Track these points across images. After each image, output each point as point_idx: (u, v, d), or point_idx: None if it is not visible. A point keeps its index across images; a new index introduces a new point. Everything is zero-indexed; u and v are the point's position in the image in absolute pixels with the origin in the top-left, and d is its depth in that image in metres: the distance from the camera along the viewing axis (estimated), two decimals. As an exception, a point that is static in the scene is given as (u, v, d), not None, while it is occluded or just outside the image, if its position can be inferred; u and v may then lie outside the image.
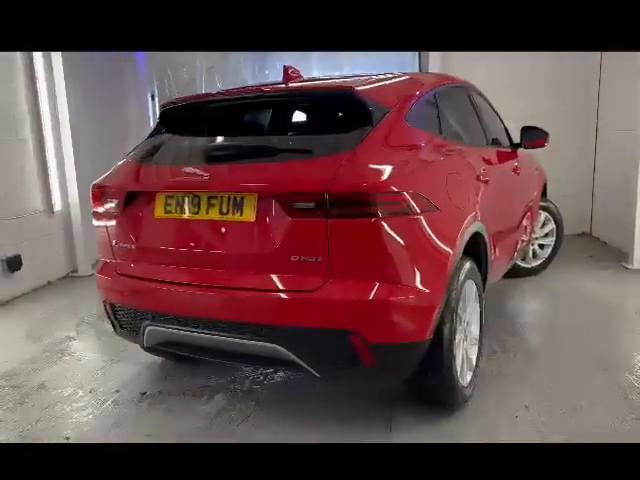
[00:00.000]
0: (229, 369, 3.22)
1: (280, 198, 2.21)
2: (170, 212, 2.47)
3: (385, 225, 2.14)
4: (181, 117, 2.79)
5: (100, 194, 2.67)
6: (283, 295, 2.24)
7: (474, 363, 2.86)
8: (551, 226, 5.01)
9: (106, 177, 2.71)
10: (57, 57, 5.33)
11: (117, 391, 3.08)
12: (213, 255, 2.39)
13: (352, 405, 2.82)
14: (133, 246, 2.59)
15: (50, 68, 5.31)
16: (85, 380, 3.22)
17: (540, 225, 4.97)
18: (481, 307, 2.93)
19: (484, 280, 3.05)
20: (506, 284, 4.79)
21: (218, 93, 2.69)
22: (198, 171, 2.38)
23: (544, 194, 5.04)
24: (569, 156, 6.64)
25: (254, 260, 2.29)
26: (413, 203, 2.22)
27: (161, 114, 2.86)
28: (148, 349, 2.90)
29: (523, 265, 4.97)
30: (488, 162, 3.19)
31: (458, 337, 2.62)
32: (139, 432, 2.65)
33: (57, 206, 5.39)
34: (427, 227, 2.29)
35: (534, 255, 5.02)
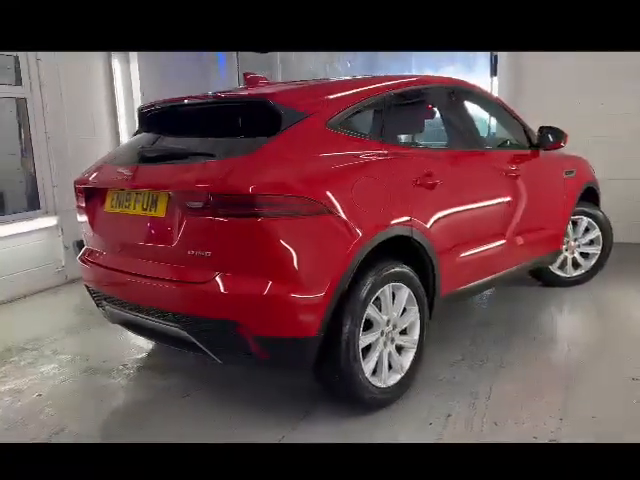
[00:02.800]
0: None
1: (178, 197, 2.44)
2: (113, 207, 2.82)
3: (265, 225, 2.29)
4: (146, 120, 3.12)
5: (75, 190, 3.10)
6: (181, 286, 2.47)
7: (406, 367, 2.85)
8: (596, 233, 4.63)
9: (81, 175, 3.13)
10: (134, 61, 6.01)
11: (104, 361, 3.52)
12: (137, 246, 2.69)
13: (281, 397, 2.97)
14: (93, 236, 2.98)
15: (127, 71, 6.01)
16: (88, 351, 3.71)
17: (581, 232, 4.63)
18: (422, 312, 2.91)
19: (433, 286, 3.01)
20: (536, 292, 4.56)
21: (169, 100, 2.97)
22: (131, 171, 2.70)
23: (591, 200, 4.68)
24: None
25: (163, 252, 2.54)
26: (297, 206, 2.33)
27: (138, 116, 3.21)
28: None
29: (561, 274, 4.67)
30: (449, 166, 3.13)
31: (371, 338, 2.66)
32: (94, 398, 3.05)
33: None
34: (314, 229, 2.38)
35: (575, 264, 4.68)
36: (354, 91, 2.85)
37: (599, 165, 5.81)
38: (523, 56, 6.22)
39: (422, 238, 2.85)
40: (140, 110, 3.18)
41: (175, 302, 2.53)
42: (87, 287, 3.17)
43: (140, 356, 3.58)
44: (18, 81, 5.03)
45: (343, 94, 2.82)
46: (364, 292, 2.56)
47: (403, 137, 3.04)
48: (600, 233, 4.64)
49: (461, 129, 3.41)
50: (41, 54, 5.12)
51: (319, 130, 2.61)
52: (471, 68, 6.53)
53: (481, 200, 3.31)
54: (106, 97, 5.91)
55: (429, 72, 6.62)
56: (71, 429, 2.72)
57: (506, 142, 3.97)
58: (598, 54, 5.73)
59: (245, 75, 3.13)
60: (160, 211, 2.55)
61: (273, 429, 2.64)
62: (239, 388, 3.10)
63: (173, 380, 3.22)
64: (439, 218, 2.97)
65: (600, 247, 4.66)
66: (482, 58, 6.44)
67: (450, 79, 3.59)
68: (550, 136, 3.90)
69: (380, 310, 2.71)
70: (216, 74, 7.35)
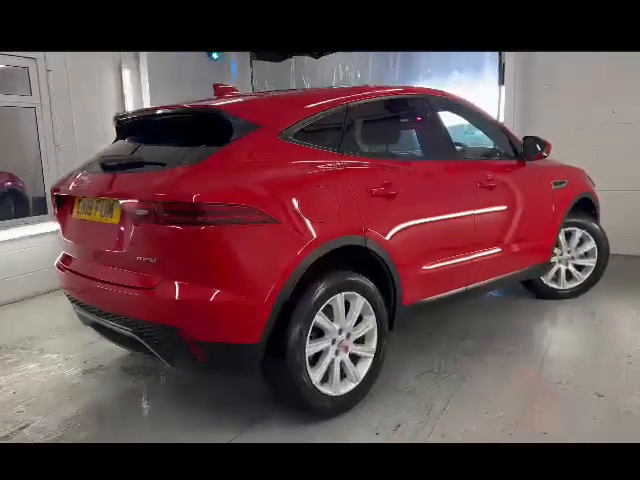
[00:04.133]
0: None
1: (127, 205, 2.53)
2: (78, 213, 2.93)
3: (206, 233, 2.35)
4: (121, 128, 3.23)
5: (51, 197, 3.24)
6: (131, 291, 2.55)
7: (361, 376, 2.86)
8: (590, 245, 4.52)
9: (56, 182, 3.26)
10: (144, 70, 6.21)
11: (85, 362, 3.65)
12: (96, 251, 2.80)
13: (240, 401, 3.03)
14: (65, 242, 3.11)
15: (138, 80, 6.21)
16: (73, 350, 3.85)
17: (575, 244, 4.53)
18: (380, 322, 2.92)
19: (394, 296, 3.01)
20: (527, 305, 4.48)
21: (142, 109, 3.08)
22: (94, 179, 2.83)
23: (588, 211, 4.60)
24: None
25: (116, 258, 2.63)
26: (239, 214, 2.38)
27: (115, 124, 3.32)
28: None
29: (554, 287, 4.57)
30: (412, 177, 3.13)
31: (320, 346, 2.69)
32: (65, 397, 3.16)
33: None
34: (256, 238, 2.43)
35: (569, 276, 4.58)
36: (312, 102, 2.88)
37: (609, 176, 5.73)
38: (531, 65, 6.17)
39: (378, 248, 2.86)
40: (116, 118, 3.29)
41: (126, 306, 2.62)
42: (64, 291, 3.30)
43: (118, 357, 3.68)
44: (28, 91, 5.27)
45: (300, 105, 2.86)
46: (312, 300, 2.59)
47: (364, 148, 3.03)
48: (595, 245, 4.53)
49: (430, 139, 3.40)
50: (51, 65, 5.36)
51: (270, 141, 2.66)
52: (479, 77, 6.50)
53: (448, 211, 3.27)
54: (117, 106, 6.11)
55: (436, 81, 6.63)
56: (34, 426, 2.84)
57: (487, 153, 3.93)
58: (609, 61, 5.66)
59: (215, 86, 3.21)
60: (115, 218, 2.64)
61: (225, 432, 2.70)
62: (202, 391, 3.17)
63: (143, 382, 3.32)
64: (400, 229, 2.97)
65: (595, 260, 4.55)
66: (489, 67, 6.39)
67: (421, 89, 3.59)
68: (533, 146, 3.85)
69: (332, 318, 2.73)
70: (228, 81, 7.48)
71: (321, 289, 2.63)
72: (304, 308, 2.57)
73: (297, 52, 7.46)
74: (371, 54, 7.13)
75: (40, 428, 2.82)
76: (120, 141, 3.23)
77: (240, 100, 2.97)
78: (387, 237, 2.91)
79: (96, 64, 5.87)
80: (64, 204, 3.10)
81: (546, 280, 4.55)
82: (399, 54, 6.94)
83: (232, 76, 7.55)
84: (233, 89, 3.27)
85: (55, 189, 3.19)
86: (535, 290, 4.61)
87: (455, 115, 3.79)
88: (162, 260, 2.45)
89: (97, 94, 5.92)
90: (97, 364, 3.60)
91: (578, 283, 4.59)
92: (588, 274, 4.59)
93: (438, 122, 3.43)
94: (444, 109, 3.58)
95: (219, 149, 2.54)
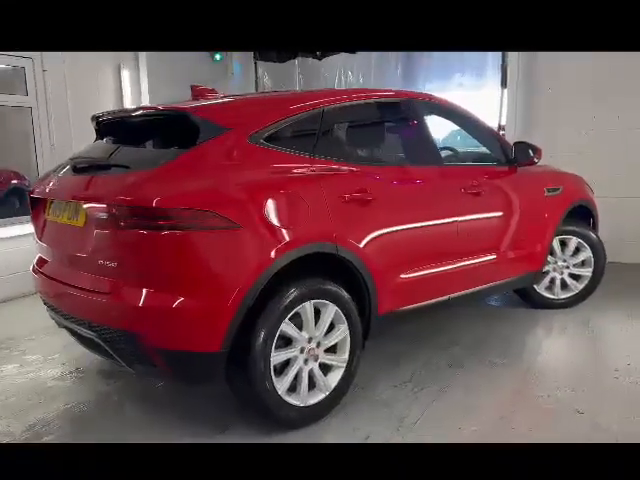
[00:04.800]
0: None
1: (91, 208, 2.50)
2: (50, 216, 2.91)
3: (164, 238, 2.30)
4: (99, 128, 3.20)
5: (28, 199, 3.22)
6: (93, 295, 2.51)
7: (332, 386, 2.79)
8: (587, 254, 4.40)
9: (34, 184, 3.24)
10: (144, 71, 6.20)
11: (63, 364, 3.63)
12: (63, 254, 2.78)
13: (208, 409, 2.98)
14: (38, 244, 3.08)
15: (137, 82, 6.21)
16: (54, 352, 3.82)
17: (571, 253, 4.41)
18: (353, 330, 2.84)
19: (369, 304, 2.93)
20: (521, 314, 4.37)
21: (118, 110, 3.04)
22: (64, 181, 2.80)
23: (587, 219, 4.48)
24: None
25: (80, 261, 2.60)
26: (200, 219, 2.32)
27: (94, 124, 3.29)
28: None
29: (548, 296, 4.45)
30: (389, 183, 3.04)
31: (287, 355, 2.62)
32: (36, 399, 3.13)
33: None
34: (218, 243, 2.37)
35: (564, 285, 4.46)
36: (286, 105, 2.82)
37: (611, 180, 5.59)
38: (533, 68, 6.04)
39: (351, 255, 2.78)
40: (94, 118, 3.25)
41: (89, 311, 2.58)
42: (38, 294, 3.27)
43: (98, 359, 3.63)
44: (25, 91, 5.28)
45: (272, 108, 2.80)
46: (277, 309, 2.53)
47: (340, 152, 2.93)
48: (592, 254, 4.40)
49: (412, 144, 3.31)
50: (48, 65, 5.37)
51: (239, 144, 2.60)
52: (481, 80, 6.40)
53: (428, 218, 3.17)
54: (115, 106, 6.10)
55: (438, 84, 6.55)
56: (0, 429, 2.82)
57: (477, 158, 3.83)
58: (614, 65, 5.53)
59: (192, 87, 3.17)
60: (80, 221, 2.61)
61: (189, 441, 2.65)
62: (174, 396, 3.14)
63: (116, 386, 3.28)
64: (375, 236, 2.89)
65: (592, 269, 4.42)
66: (491, 69, 6.28)
67: (404, 92, 3.50)
68: (524, 151, 3.74)
69: (301, 326, 2.67)
70: (231, 82, 7.45)
71: (288, 297, 2.56)
72: (269, 317, 2.51)
73: (300, 52, 7.40)
74: (374, 56, 7.06)
75: (6, 431, 2.79)
76: (98, 141, 3.21)
77: (211, 102, 2.92)
78: (361, 245, 2.83)
79: (94, 64, 5.87)
80: (38, 206, 3.07)
81: (540, 289, 4.43)
82: (401, 57, 6.86)
83: (234, 77, 7.52)
84: (213, 90, 3.21)
85: (31, 191, 3.17)
86: (529, 299, 4.49)
87: (444, 119, 3.70)
88: (123, 265, 2.40)
89: (95, 94, 5.92)
90: (75, 366, 3.57)
91: (573, 293, 4.46)
92: (584, 284, 4.46)
93: (421, 126, 3.33)
94: (430, 113, 3.48)
95: (184, 152, 2.49)
